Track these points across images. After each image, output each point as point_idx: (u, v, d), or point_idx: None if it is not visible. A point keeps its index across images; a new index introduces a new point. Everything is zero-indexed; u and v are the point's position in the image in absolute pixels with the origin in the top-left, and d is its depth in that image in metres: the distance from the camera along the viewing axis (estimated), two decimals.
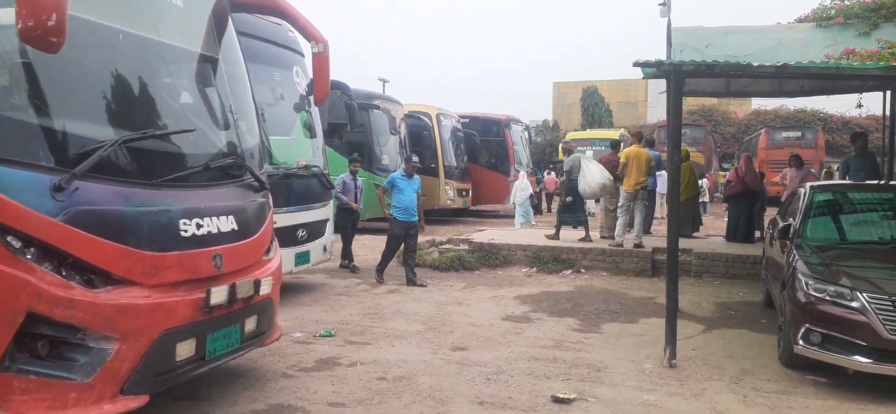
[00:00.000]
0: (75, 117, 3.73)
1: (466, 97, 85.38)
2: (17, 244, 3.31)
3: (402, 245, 9.70)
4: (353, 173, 10.79)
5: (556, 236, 11.93)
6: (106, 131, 3.79)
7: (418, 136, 18.61)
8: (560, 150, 27.61)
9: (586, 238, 11.87)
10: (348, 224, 10.73)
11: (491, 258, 11.16)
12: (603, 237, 12.13)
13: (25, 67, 3.51)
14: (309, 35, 5.67)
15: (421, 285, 9.35)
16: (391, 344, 6.40)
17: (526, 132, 24.80)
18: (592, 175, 11.50)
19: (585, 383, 5.39)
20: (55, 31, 3.10)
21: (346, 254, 10.74)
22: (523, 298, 8.75)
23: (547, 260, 10.98)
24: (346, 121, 11.40)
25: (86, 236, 3.51)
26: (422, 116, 19.16)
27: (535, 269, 10.85)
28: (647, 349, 6.42)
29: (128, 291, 3.69)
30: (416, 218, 9.53)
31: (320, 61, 5.64)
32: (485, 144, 22.14)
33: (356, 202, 10.74)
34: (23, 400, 3.35)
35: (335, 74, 11.57)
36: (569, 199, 11.91)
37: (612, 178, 11.68)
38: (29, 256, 3.34)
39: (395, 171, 15.68)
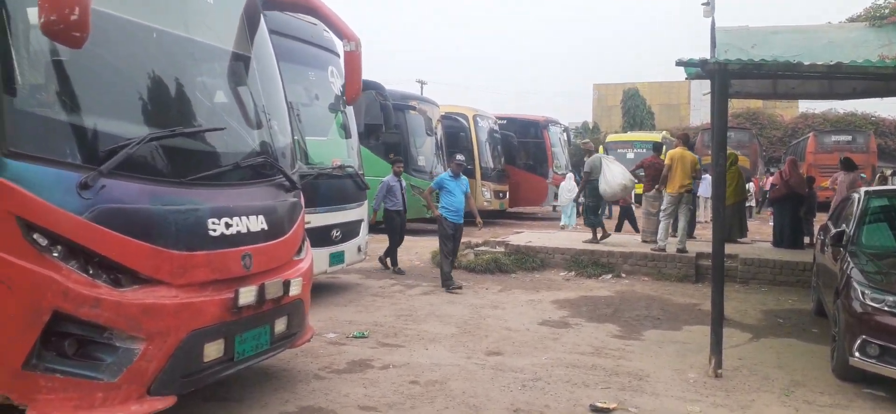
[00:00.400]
0: (102, 114, 3.68)
1: (505, 98, 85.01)
2: (43, 242, 3.28)
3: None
4: (397, 174, 10.62)
5: (594, 239, 11.70)
6: (133, 129, 3.74)
7: (455, 138, 18.46)
8: (601, 150, 27.25)
9: (593, 239, 11.74)
10: (397, 227, 10.56)
11: (528, 261, 10.95)
12: (645, 241, 11.83)
13: (51, 64, 3.48)
14: (341, 33, 5.59)
15: (457, 288, 9.20)
16: (425, 347, 6.27)
17: (565, 134, 24.45)
18: (613, 176, 11.41)
19: (626, 392, 5.17)
20: (78, 26, 3.06)
21: (392, 257, 10.58)
22: (561, 303, 8.53)
23: (586, 264, 10.72)
24: (382, 121, 11.33)
25: (112, 235, 3.47)
26: (458, 118, 19.02)
27: (573, 272, 10.61)
28: (691, 358, 6.16)
29: (154, 290, 3.63)
30: (462, 220, 9.35)
31: (352, 59, 5.55)
32: (522, 146, 21.89)
33: (404, 203, 10.57)
34: (49, 399, 3.32)
35: (373, 76, 11.57)
36: (585, 200, 11.88)
37: (634, 179, 11.58)
38: (55, 254, 3.31)
39: (430, 172, 15.70)
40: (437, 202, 9.39)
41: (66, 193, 3.32)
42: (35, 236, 3.25)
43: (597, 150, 13.31)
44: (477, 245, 11.99)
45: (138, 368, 3.53)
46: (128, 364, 3.50)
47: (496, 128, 20.50)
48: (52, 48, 3.40)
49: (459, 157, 9.68)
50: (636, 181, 12.19)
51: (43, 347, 3.31)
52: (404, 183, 10.83)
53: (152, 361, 3.59)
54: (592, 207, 11.91)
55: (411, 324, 7.17)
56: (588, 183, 11.80)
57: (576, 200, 13.67)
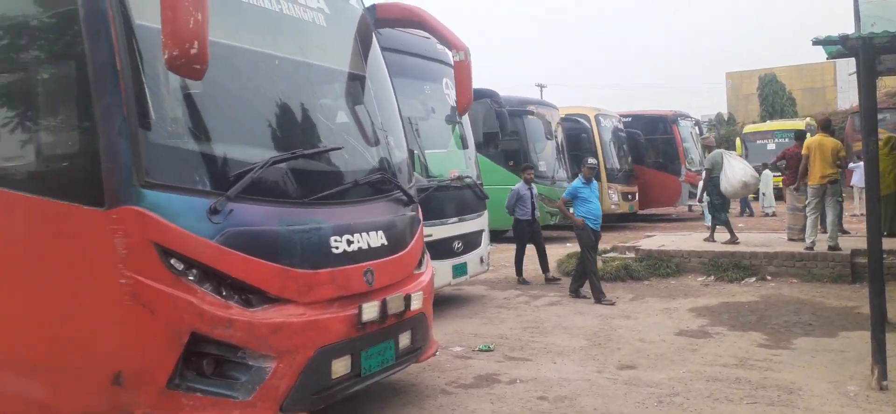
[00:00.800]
0: (227, 142, 3.86)
1: (632, 95, 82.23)
2: (179, 266, 3.46)
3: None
4: (528, 182, 10.26)
5: (733, 240, 10.94)
6: (256, 153, 3.88)
7: (576, 140, 18.02)
8: (738, 143, 25.55)
9: (710, 238, 11.22)
10: (527, 236, 10.23)
11: (661, 267, 10.38)
12: (791, 239, 10.90)
13: (179, 97, 3.69)
14: (449, 43, 5.60)
15: (609, 302, 8.56)
16: (552, 360, 6.07)
17: (696, 128, 23.20)
18: (734, 173, 10.89)
19: (776, 408, 4.71)
20: (198, 59, 3.22)
21: (518, 266, 10.28)
22: (699, 311, 8.00)
23: (726, 267, 9.99)
24: (498, 129, 11.24)
25: (241, 257, 3.61)
26: (579, 119, 18.55)
27: (712, 277, 9.93)
28: (850, 368, 5.53)
29: (283, 309, 3.74)
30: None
31: (462, 69, 5.53)
32: (650, 144, 20.97)
33: (534, 212, 10.18)
34: None
35: (492, 86, 11.53)
36: (707, 198, 11.52)
37: (757, 175, 11.08)
38: (191, 278, 3.49)
39: (552, 177, 15.39)
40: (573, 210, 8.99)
41: (197, 219, 3.50)
42: (172, 262, 3.44)
43: (718, 146, 12.58)
44: (604, 251, 11.55)
45: (271, 385, 3.64)
46: (260, 382, 3.61)
47: (621, 126, 19.79)
48: (179, 83, 3.61)
49: (592, 160, 9.29)
50: (758, 178, 11.52)
51: (184, 366, 3.49)
52: (535, 191, 10.46)
53: (283, 379, 3.69)
54: (720, 205, 11.34)
55: (538, 336, 6.98)
56: (710, 181, 11.26)
57: (700, 200, 12.95)
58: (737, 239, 10.94)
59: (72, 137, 3.58)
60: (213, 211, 3.53)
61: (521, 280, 10.23)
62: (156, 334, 3.43)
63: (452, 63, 8.61)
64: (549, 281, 10.10)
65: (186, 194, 3.53)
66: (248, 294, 3.67)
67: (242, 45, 4.06)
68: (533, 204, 10.17)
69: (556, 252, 12.22)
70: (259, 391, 3.60)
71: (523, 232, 10.25)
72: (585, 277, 8.88)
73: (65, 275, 3.59)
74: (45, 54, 3.68)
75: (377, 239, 4.36)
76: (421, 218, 5.10)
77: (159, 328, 3.42)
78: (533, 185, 10.39)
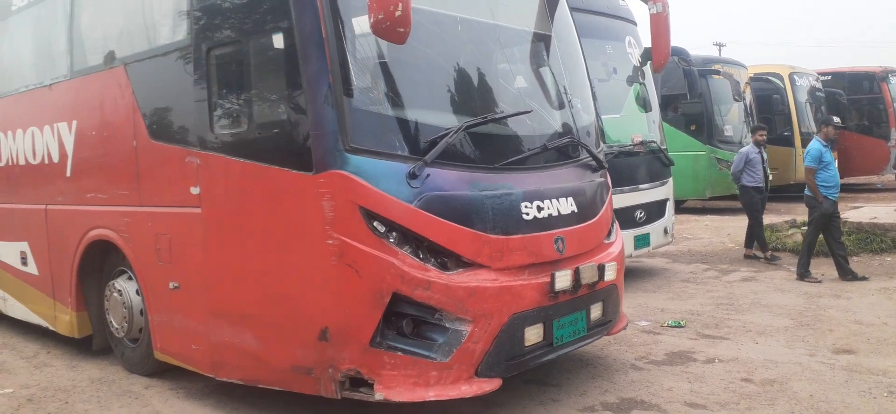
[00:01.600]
0: (422, 107, 3.89)
1: (832, 52, 72.93)
2: (381, 229, 3.54)
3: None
4: (758, 143, 9.16)
5: None
6: (450, 119, 3.88)
7: (767, 101, 16.39)
8: None
9: None
10: (759, 204, 9.18)
11: (874, 241, 9.20)
12: None
13: (377, 65, 3.76)
14: None
15: (862, 279, 7.67)
16: (753, 340, 5.56)
17: None
18: None
19: None
20: (402, 22, 3.24)
21: (760, 241, 9.23)
22: None
23: None
24: (684, 90, 10.48)
25: (438, 221, 3.62)
26: (771, 78, 16.83)
27: None
28: None
29: (477, 273, 3.72)
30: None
31: (659, 22, 5.14)
32: (854, 104, 18.57)
33: (766, 180, 9.15)
34: (392, 375, 3.58)
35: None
36: None
37: None
38: (392, 240, 3.55)
39: (740, 142, 14.16)
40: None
41: (397, 183, 3.55)
42: (375, 224, 3.53)
43: None
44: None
45: (466, 349, 3.64)
46: (457, 345, 3.62)
47: (819, 86, 17.74)
48: (376, 51, 3.67)
49: (836, 119, 8.24)
50: None
51: (385, 326, 3.58)
52: (766, 155, 9.31)
53: (479, 343, 3.67)
54: None
55: (733, 314, 6.44)
56: None
57: None
58: None
59: (282, 106, 3.77)
60: (412, 175, 3.57)
61: (772, 257, 9.10)
62: (360, 293, 3.54)
63: (635, 19, 8.22)
64: (748, 258, 9.22)
65: (387, 159, 3.60)
66: (444, 258, 3.68)
67: (435, 8, 4.04)
68: (765, 170, 9.11)
69: (741, 224, 11.26)
70: (456, 354, 3.61)
71: (754, 200, 9.10)
72: (843, 249, 7.95)
73: (276, 234, 3.82)
74: (256, 29, 3.89)
75: (567, 206, 4.20)
76: (610, 185, 4.86)
77: (363, 288, 3.53)
78: (763, 148, 9.25)
